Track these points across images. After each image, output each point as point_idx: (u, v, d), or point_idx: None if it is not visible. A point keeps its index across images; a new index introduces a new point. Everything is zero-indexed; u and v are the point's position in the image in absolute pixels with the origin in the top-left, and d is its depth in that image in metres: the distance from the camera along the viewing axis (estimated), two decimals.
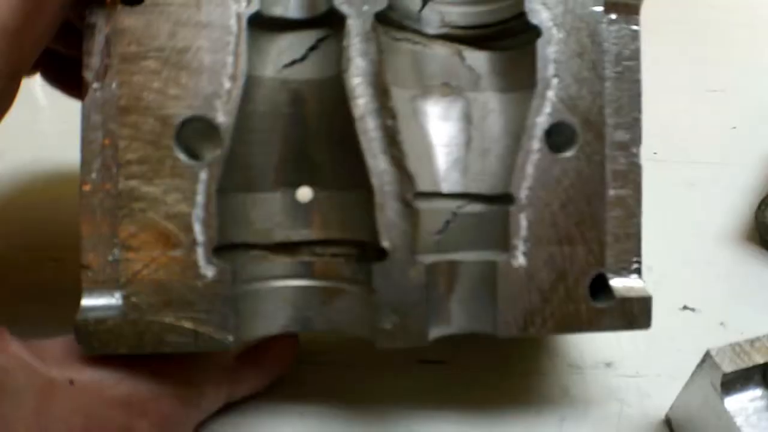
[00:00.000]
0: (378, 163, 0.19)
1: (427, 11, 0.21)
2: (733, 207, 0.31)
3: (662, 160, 0.33)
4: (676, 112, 0.35)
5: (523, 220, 0.20)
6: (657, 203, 0.31)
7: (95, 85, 0.18)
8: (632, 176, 0.21)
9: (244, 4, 0.19)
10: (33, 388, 0.17)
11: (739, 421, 0.20)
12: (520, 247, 0.20)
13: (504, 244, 0.20)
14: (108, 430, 0.18)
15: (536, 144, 0.20)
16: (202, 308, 0.18)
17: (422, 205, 0.20)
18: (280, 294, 0.20)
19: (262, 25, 0.19)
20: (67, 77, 0.24)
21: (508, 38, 0.21)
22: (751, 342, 0.21)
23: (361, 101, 0.19)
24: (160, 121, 0.18)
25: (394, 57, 0.20)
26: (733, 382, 0.21)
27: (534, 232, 0.20)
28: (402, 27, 0.21)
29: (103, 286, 0.18)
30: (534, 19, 0.20)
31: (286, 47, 0.20)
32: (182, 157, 0.18)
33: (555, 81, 0.20)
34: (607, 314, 0.21)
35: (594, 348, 0.26)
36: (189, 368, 0.20)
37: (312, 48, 0.20)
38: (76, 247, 0.19)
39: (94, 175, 0.18)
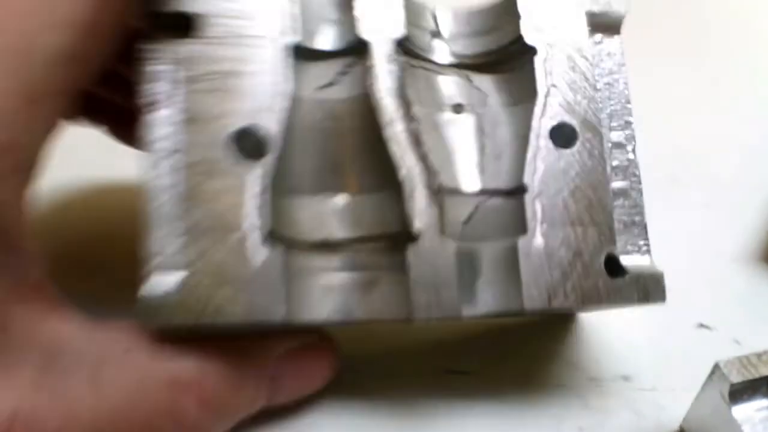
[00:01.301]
0: (406, 159, 0.22)
1: (437, 44, 0.25)
2: (749, 228, 0.33)
3: (680, 183, 0.35)
4: (693, 132, 0.37)
5: (537, 205, 0.23)
6: (675, 225, 0.33)
7: (165, 104, 0.22)
8: (631, 170, 0.25)
9: (288, 34, 0.22)
10: (90, 355, 0.19)
11: (746, 428, 0.21)
12: (538, 229, 0.23)
13: (523, 228, 0.23)
14: (156, 402, 0.20)
15: (543, 141, 0.23)
16: (255, 286, 0.20)
17: (447, 197, 0.23)
18: (323, 285, 0.22)
19: (300, 54, 0.23)
20: (131, 131, 0.26)
21: (509, 61, 0.25)
22: (759, 355, 0.22)
23: (388, 110, 0.23)
24: (219, 130, 0.21)
25: (412, 79, 0.24)
26: (741, 392, 0.22)
27: (548, 216, 0.23)
28: (417, 56, 0.25)
29: (170, 267, 0.20)
30: (530, 41, 0.24)
31: (319, 73, 0.24)
32: (240, 157, 0.22)
33: (553, 89, 0.24)
34: (624, 289, 0.23)
35: (613, 362, 0.27)
36: (235, 355, 0.22)
37: (342, 73, 0.24)
38: (126, 256, 0.22)
39: (164, 180, 0.21)
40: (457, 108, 0.25)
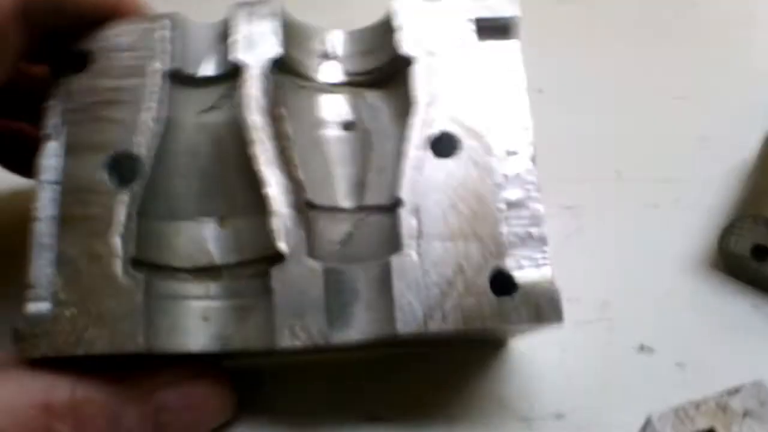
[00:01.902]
0: (272, 177, 0.22)
1: (329, 65, 0.25)
2: (698, 230, 0.30)
3: (624, 180, 0.32)
4: (639, 124, 0.34)
5: (412, 219, 0.21)
6: (617, 229, 0.30)
7: (54, 137, 0.23)
8: (528, 178, 0.22)
9: (168, 65, 0.23)
10: None
11: None
12: (412, 246, 0.21)
13: (399, 246, 0.21)
14: (29, 426, 0.20)
15: (420, 152, 0.22)
16: (119, 313, 0.21)
17: (321, 216, 0.22)
18: (199, 313, 0.22)
19: (181, 80, 0.24)
20: (25, 161, 0.27)
21: (396, 75, 0.24)
22: (696, 405, 0.20)
23: (253, 128, 0.22)
24: (95, 156, 0.22)
25: (297, 97, 0.24)
26: None
27: (425, 230, 0.21)
28: (303, 77, 0.25)
29: (43, 298, 0.21)
30: (405, 52, 0.23)
31: (203, 98, 0.24)
32: (111, 184, 0.22)
33: (434, 98, 0.23)
34: (512, 307, 0.21)
35: (545, 398, 0.25)
36: (115, 383, 0.21)
37: (225, 96, 0.24)
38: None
39: (45, 210, 0.22)
40: (347, 125, 0.24)
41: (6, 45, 0.22)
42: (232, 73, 0.24)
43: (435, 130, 0.23)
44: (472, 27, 0.24)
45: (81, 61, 0.23)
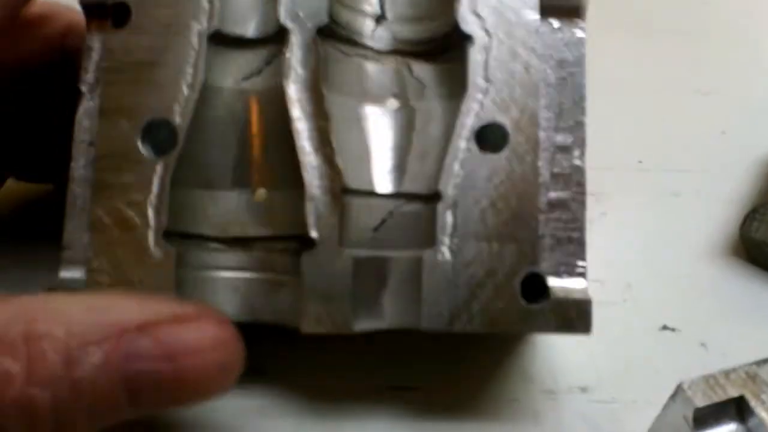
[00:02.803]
0: (310, 159, 0.21)
1: (379, 28, 0.23)
2: (719, 219, 0.30)
3: (646, 170, 0.32)
4: (661, 116, 0.34)
5: (449, 217, 0.21)
6: (640, 216, 0.30)
7: (88, 96, 0.22)
8: (575, 178, 0.22)
9: (205, 24, 0.22)
10: None
11: None
12: (446, 242, 0.21)
13: (433, 240, 0.21)
14: None
15: (463, 143, 0.21)
16: (148, 284, 0.21)
17: (356, 201, 0.22)
18: (229, 284, 0.22)
19: (222, 41, 0.22)
20: (39, 171, 0.27)
21: (450, 50, 0.22)
22: (726, 374, 0.20)
23: (297, 104, 0.22)
24: (130, 122, 0.21)
25: (341, 67, 0.23)
26: (707, 417, 0.20)
27: (461, 229, 0.21)
28: (351, 42, 0.23)
29: (77, 263, 0.21)
30: (466, 28, 0.22)
31: (244, 62, 0.23)
32: (144, 152, 0.21)
33: (485, 85, 0.21)
34: (541, 315, 0.21)
35: (569, 372, 0.25)
36: (76, 317, 0.17)
37: (267, 63, 0.23)
38: None
39: (80, 171, 0.22)
40: (392, 101, 0.23)
41: None
42: (275, 37, 0.22)
43: (484, 121, 0.21)
44: (537, 3, 0.22)
45: (119, 15, 0.22)
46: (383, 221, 0.22)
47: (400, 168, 0.22)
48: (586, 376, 0.25)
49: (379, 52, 0.23)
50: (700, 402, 0.19)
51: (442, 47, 0.23)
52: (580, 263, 0.21)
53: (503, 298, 0.20)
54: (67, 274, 0.21)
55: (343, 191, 0.21)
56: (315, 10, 0.22)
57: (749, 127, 0.34)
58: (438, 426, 0.24)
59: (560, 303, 0.20)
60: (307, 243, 0.21)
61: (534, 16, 0.22)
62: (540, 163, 0.21)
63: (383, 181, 0.22)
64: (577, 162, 0.22)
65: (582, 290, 0.21)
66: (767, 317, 0.27)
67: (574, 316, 0.21)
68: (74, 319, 0.17)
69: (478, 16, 0.22)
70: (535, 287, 0.21)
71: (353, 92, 0.23)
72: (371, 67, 0.23)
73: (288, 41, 0.22)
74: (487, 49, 0.22)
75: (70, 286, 0.21)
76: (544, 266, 0.21)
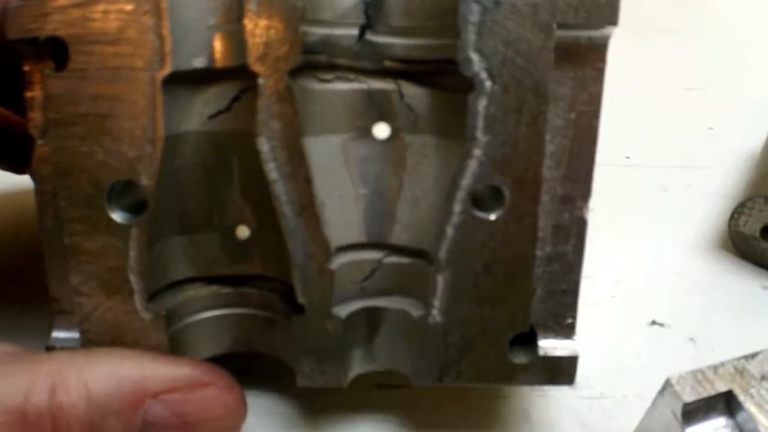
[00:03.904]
0: (292, 227, 0.19)
1: (366, 41, 0.19)
2: (707, 213, 0.30)
3: (634, 165, 0.32)
4: (650, 112, 0.34)
5: (441, 281, 0.19)
6: (628, 211, 0.30)
7: (40, 141, 0.19)
8: (576, 231, 0.20)
9: (158, 66, 0.18)
10: None
11: None
12: (437, 305, 0.20)
13: (423, 298, 0.20)
14: None
15: (459, 206, 0.19)
16: (144, 345, 0.20)
17: (344, 257, 0.20)
18: (223, 321, 0.21)
19: (182, 80, 0.19)
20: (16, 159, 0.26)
21: (447, 77, 0.19)
22: (714, 368, 0.20)
23: (273, 165, 0.19)
24: (92, 184, 0.19)
25: (320, 100, 0.19)
26: (695, 412, 0.20)
27: (453, 292, 0.20)
28: (332, 66, 0.19)
29: (70, 316, 0.20)
30: (467, 72, 0.18)
31: (210, 98, 0.20)
32: (114, 216, 0.19)
33: (485, 139, 0.18)
34: (528, 371, 0.20)
35: None
36: (94, 389, 0.18)
37: (236, 98, 0.20)
38: None
39: (49, 222, 0.20)
40: (380, 125, 0.20)
41: None
42: (241, 72, 0.19)
43: (480, 181, 0.19)
44: (552, 37, 0.18)
45: (56, 54, 0.18)
46: (373, 271, 0.21)
47: (389, 215, 0.20)
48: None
49: (363, 72, 0.19)
50: (689, 397, 0.19)
51: (438, 70, 0.19)
52: (570, 313, 0.20)
53: (492, 356, 0.20)
54: (61, 334, 0.20)
55: (330, 253, 0.20)
56: (285, 43, 0.18)
57: (736, 123, 0.34)
58: (426, 424, 0.24)
59: (548, 360, 0.20)
60: (296, 304, 0.20)
61: (548, 56, 0.18)
62: (540, 221, 0.19)
63: (372, 231, 0.20)
64: (580, 214, 0.20)
65: (569, 345, 0.21)
66: (756, 311, 0.27)
67: (560, 371, 0.20)
68: (94, 387, 0.17)
69: (482, 55, 0.18)
70: (524, 345, 0.20)
71: (336, 127, 0.20)
72: (355, 92, 0.20)
73: (257, 90, 0.19)
74: (490, 97, 0.18)
75: (65, 346, 0.20)
76: (533, 317, 0.20)
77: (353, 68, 0.19)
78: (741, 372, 0.20)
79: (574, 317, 0.20)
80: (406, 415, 0.24)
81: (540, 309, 0.20)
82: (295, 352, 0.20)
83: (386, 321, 0.20)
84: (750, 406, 0.19)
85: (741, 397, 0.19)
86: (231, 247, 0.21)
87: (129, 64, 0.18)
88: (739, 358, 0.20)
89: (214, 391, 0.19)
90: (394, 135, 0.20)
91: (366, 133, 0.20)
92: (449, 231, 0.19)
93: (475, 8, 0.18)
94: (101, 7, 0.18)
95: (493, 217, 0.19)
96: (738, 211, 0.28)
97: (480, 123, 0.18)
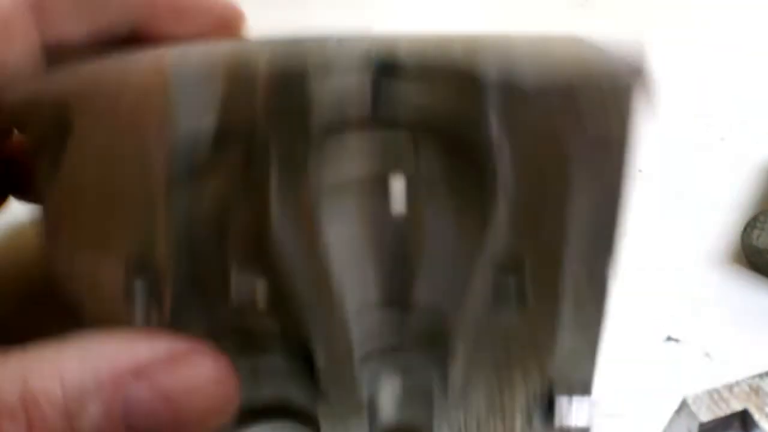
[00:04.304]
0: (311, 317, 0.18)
1: (383, 88, 0.17)
2: (720, 226, 0.30)
3: (645, 175, 0.32)
4: (661, 118, 0.34)
5: (457, 373, 0.19)
6: (640, 223, 0.31)
7: (48, 221, 0.18)
8: (590, 306, 0.19)
9: (169, 145, 0.16)
10: None
11: None
12: (454, 393, 0.20)
13: (441, 384, 0.20)
14: None
15: (475, 302, 0.18)
16: None
17: (364, 319, 0.19)
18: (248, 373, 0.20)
19: (191, 154, 0.17)
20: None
21: (468, 144, 0.17)
22: (730, 387, 0.20)
23: (287, 255, 0.17)
24: (108, 260, 0.18)
25: (331, 156, 0.18)
26: (712, 431, 0.20)
27: (470, 375, 0.19)
28: (342, 123, 0.17)
29: None
30: (490, 159, 0.16)
31: (222, 169, 0.18)
32: (133, 299, 0.18)
33: (505, 234, 0.17)
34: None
35: None
36: (70, 372, 0.17)
37: (245, 165, 0.18)
38: None
39: None
40: (395, 182, 0.18)
41: (13, 47, 0.17)
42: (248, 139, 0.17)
43: (499, 275, 0.18)
44: (580, 125, 0.16)
45: (60, 124, 0.17)
46: (394, 329, 0.20)
47: (409, 275, 0.19)
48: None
49: (376, 124, 0.18)
50: (705, 417, 0.19)
51: (455, 132, 0.17)
52: (586, 399, 0.20)
53: (506, 426, 0.21)
54: None
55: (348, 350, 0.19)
56: (296, 102, 0.16)
57: (747, 135, 0.34)
58: None
59: (562, 429, 0.20)
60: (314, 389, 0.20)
61: (576, 140, 0.16)
62: (560, 317, 0.18)
63: (392, 291, 0.19)
64: (604, 288, 0.18)
65: (584, 414, 0.21)
66: None
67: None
68: (68, 371, 0.16)
69: (509, 132, 0.16)
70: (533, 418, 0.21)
71: (350, 190, 0.18)
72: (367, 142, 0.18)
73: (266, 161, 0.17)
74: (515, 189, 0.16)
75: None
76: (554, 383, 0.20)
77: (365, 123, 0.18)
78: (756, 391, 0.20)
79: (591, 382, 0.20)
80: None
81: (558, 375, 0.20)
82: (320, 417, 0.20)
83: (405, 389, 0.20)
84: (765, 424, 0.19)
85: (756, 416, 0.20)
86: (249, 310, 0.20)
87: (134, 143, 0.16)
88: (754, 377, 0.20)
89: (196, 360, 0.17)
90: (410, 195, 0.18)
91: (381, 192, 0.18)
92: (469, 324, 0.18)
93: (499, 96, 0.15)
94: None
95: (513, 307, 0.18)
96: (751, 225, 0.28)
97: (502, 217, 0.17)
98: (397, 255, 0.19)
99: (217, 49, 0.16)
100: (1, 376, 0.16)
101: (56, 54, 0.18)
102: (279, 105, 0.16)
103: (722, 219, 0.31)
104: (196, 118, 0.16)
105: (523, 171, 0.16)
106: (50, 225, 0.17)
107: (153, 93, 0.16)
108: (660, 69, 0.37)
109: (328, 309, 0.18)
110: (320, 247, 0.17)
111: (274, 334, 0.20)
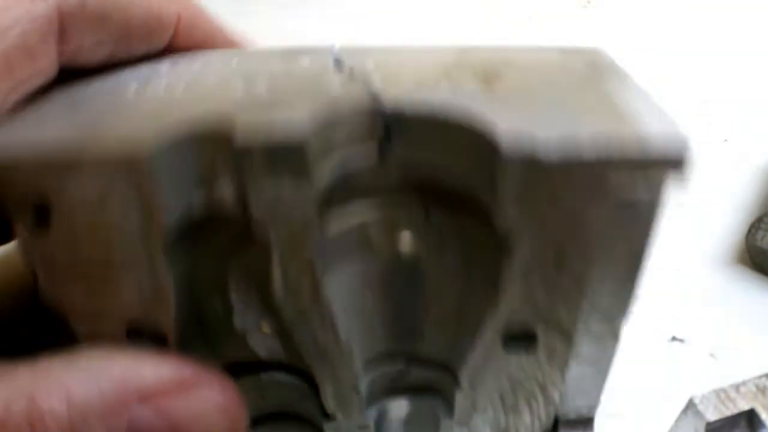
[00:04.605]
0: (319, 372, 0.19)
1: (385, 160, 0.17)
2: (724, 227, 0.31)
3: None
4: None
5: (467, 402, 0.20)
6: None
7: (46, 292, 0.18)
8: (607, 348, 0.19)
9: (150, 236, 0.16)
10: None
11: None
12: (462, 416, 0.20)
13: (448, 408, 0.20)
14: None
15: (489, 351, 0.18)
16: None
17: (371, 370, 0.20)
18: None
19: (179, 232, 0.17)
20: None
21: (478, 209, 0.16)
22: (737, 387, 0.20)
23: (291, 307, 0.17)
24: (107, 324, 0.18)
25: (336, 227, 0.17)
26: (718, 430, 0.20)
27: (479, 407, 0.20)
28: (349, 191, 0.17)
29: None
30: (502, 224, 0.15)
31: (221, 237, 0.18)
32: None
33: (519, 297, 0.17)
34: None
35: None
36: (75, 391, 0.17)
37: (246, 238, 0.18)
38: None
39: None
40: (404, 240, 0.18)
41: (33, 68, 0.17)
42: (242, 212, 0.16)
43: (511, 327, 0.17)
44: (604, 201, 0.15)
45: (39, 213, 0.16)
46: (400, 375, 0.21)
47: (415, 330, 0.20)
48: None
49: (385, 190, 0.17)
50: (712, 416, 0.19)
51: (465, 195, 0.16)
52: (591, 412, 0.21)
53: None
54: None
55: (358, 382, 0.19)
56: (296, 202, 0.15)
57: (750, 136, 0.34)
58: None
59: None
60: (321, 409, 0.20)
61: (607, 211, 0.15)
62: (570, 362, 0.18)
63: (398, 344, 0.20)
64: (615, 333, 0.18)
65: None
66: None
67: None
68: (74, 390, 0.16)
69: (521, 223, 0.15)
70: None
71: (356, 255, 0.18)
72: (375, 210, 0.17)
73: (269, 247, 0.16)
74: (527, 263, 0.16)
75: None
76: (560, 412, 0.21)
77: (372, 188, 0.17)
78: (763, 390, 0.20)
79: (593, 412, 0.21)
80: None
81: (564, 405, 0.20)
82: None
83: (415, 416, 0.22)
84: None
85: (763, 416, 0.20)
86: (255, 340, 0.20)
87: (120, 231, 0.16)
88: (760, 377, 0.21)
89: (204, 391, 0.17)
90: (417, 254, 0.18)
91: (389, 252, 0.18)
92: (478, 363, 0.18)
93: (518, 170, 0.14)
94: (73, 172, 0.15)
95: (523, 354, 0.18)
96: (755, 226, 0.28)
97: (516, 286, 0.16)
98: (405, 308, 0.19)
99: (204, 112, 0.15)
100: (10, 391, 0.16)
101: (69, 72, 0.18)
102: (277, 182, 0.15)
103: (726, 220, 0.31)
104: (186, 192, 0.16)
105: (541, 246, 0.15)
106: (45, 268, 0.17)
107: (133, 172, 0.15)
108: (662, 71, 0.37)
109: (335, 358, 0.19)
110: (322, 303, 0.17)
111: (280, 356, 0.20)
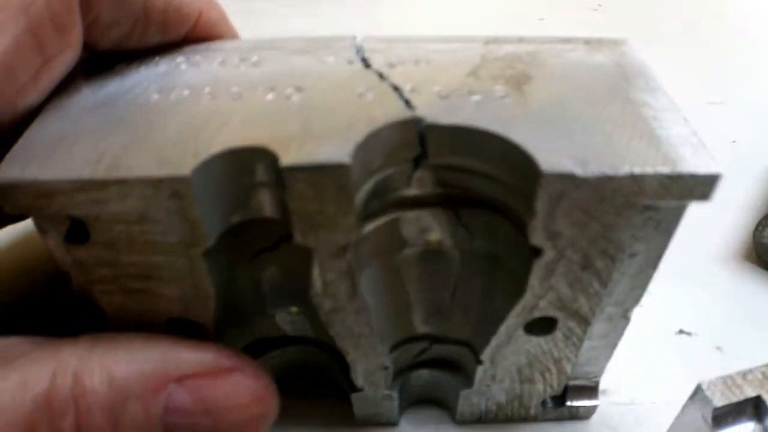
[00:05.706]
0: (349, 350, 0.20)
1: (418, 174, 0.17)
2: (731, 225, 0.31)
3: None
4: None
5: (488, 374, 0.22)
6: None
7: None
8: (617, 326, 0.21)
9: (190, 244, 0.16)
10: None
11: None
12: (482, 385, 0.22)
13: (468, 379, 0.22)
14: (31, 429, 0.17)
15: (510, 330, 0.20)
16: None
17: (397, 354, 0.22)
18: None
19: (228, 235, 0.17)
20: None
21: (508, 211, 0.17)
22: (744, 374, 0.21)
23: (331, 325, 0.19)
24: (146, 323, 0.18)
25: (374, 238, 0.18)
26: (725, 416, 0.20)
27: (497, 377, 0.22)
28: (386, 205, 0.18)
29: None
30: (536, 241, 0.16)
31: (258, 235, 0.18)
32: None
33: (544, 292, 0.18)
34: (553, 414, 0.24)
35: None
36: (116, 371, 0.18)
37: (284, 238, 0.18)
38: None
39: None
40: (437, 243, 0.19)
41: (62, 41, 0.17)
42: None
43: (535, 315, 0.19)
44: (632, 214, 0.16)
45: (76, 229, 0.16)
46: (422, 351, 0.22)
47: (441, 315, 0.21)
48: (605, 379, 0.26)
49: (419, 200, 0.18)
50: (719, 402, 0.20)
51: (497, 203, 0.17)
52: (597, 378, 0.23)
53: (525, 408, 0.24)
54: None
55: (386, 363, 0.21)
56: (338, 220, 0.16)
57: (758, 137, 0.34)
58: (463, 429, 0.25)
59: (572, 407, 0.24)
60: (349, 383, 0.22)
61: (633, 248, 0.17)
62: (584, 342, 0.21)
63: (426, 324, 0.21)
64: (625, 317, 0.20)
65: (592, 393, 0.24)
66: None
67: (582, 414, 0.24)
68: (116, 371, 0.17)
69: (553, 235, 0.16)
70: (553, 401, 0.24)
71: (393, 247, 0.19)
72: (409, 217, 0.18)
73: (312, 255, 0.17)
74: (554, 265, 0.17)
75: None
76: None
77: (407, 200, 0.18)
78: None
79: (599, 375, 0.23)
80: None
81: (572, 372, 0.22)
82: (354, 409, 0.23)
83: (433, 378, 0.23)
84: None
85: None
86: (284, 321, 0.21)
87: (161, 240, 0.16)
88: (766, 365, 0.21)
89: (239, 378, 0.18)
90: (450, 247, 0.19)
91: (420, 246, 0.19)
92: (500, 342, 0.20)
93: (556, 188, 0.15)
94: (114, 190, 0.15)
95: (543, 337, 0.20)
96: (762, 224, 0.29)
97: (542, 283, 0.18)
98: (433, 295, 0.20)
99: (241, 138, 0.15)
100: (57, 366, 0.16)
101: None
102: (321, 204, 0.15)
103: (734, 218, 0.31)
104: (225, 204, 0.16)
105: (570, 251, 0.17)
106: (80, 272, 0.17)
107: (175, 191, 0.15)
108: (673, 73, 0.38)
109: (367, 344, 0.20)
110: (359, 300, 0.18)
111: (306, 333, 0.21)
